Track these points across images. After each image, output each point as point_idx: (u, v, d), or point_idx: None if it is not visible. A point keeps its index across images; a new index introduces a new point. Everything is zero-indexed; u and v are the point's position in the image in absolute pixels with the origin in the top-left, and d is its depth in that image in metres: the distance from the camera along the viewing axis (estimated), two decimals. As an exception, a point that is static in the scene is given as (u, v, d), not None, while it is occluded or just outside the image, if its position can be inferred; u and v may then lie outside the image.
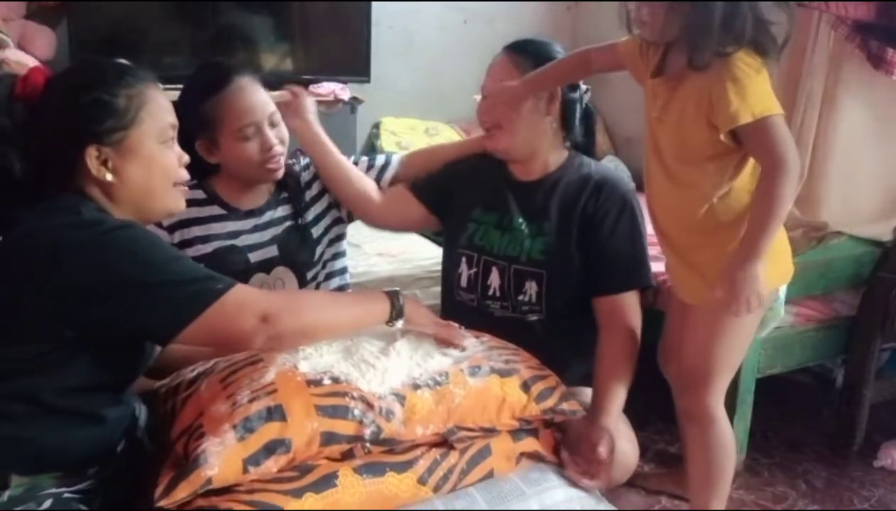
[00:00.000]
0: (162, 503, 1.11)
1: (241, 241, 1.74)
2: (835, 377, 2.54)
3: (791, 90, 2.11)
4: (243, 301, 1.20)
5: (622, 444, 1.67)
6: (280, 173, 1.75)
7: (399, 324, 1.40)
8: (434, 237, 2.76)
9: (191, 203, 1.70)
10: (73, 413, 1.24)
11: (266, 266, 1.74)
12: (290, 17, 3.36)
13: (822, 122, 2.09)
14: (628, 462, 1.71)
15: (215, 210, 1.73)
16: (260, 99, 1.70)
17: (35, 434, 1.20)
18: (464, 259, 1.86)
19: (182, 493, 1.11)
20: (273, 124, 1.71)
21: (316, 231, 1.86)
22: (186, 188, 1.37)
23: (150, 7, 3.10)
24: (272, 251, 1.76)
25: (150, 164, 1.28)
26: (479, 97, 3.59)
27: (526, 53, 1.83)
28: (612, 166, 2.60)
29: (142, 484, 1.27)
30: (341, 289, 1.95)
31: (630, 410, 1.79)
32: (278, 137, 1.71)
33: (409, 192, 1.94)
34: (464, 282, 1.86)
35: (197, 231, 1.70)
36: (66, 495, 1.23)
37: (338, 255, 1.94)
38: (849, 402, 2.23)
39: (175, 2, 3.17)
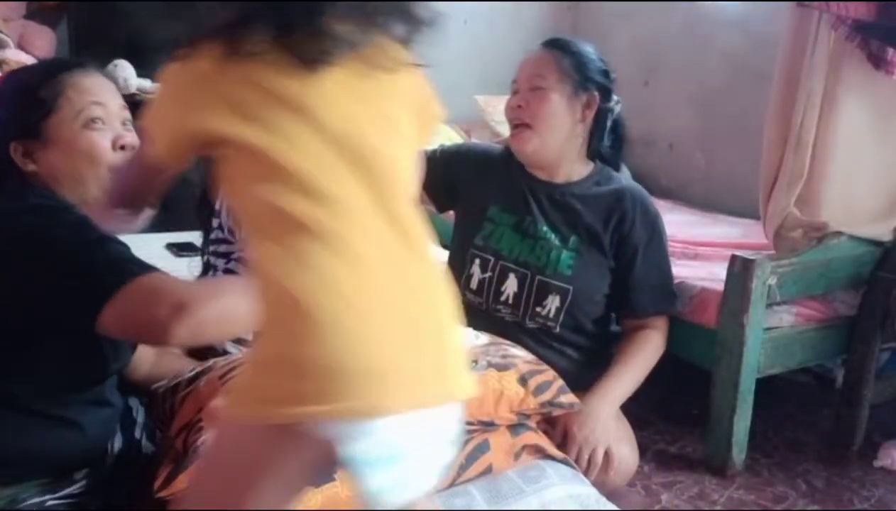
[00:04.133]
0: (161, 494, 1.11)
1: None
2: (835, 377, 2.53)
3: (791, 90, 2.11)
4: (157, 287, 1.12)
5: (622, 449, 1.67)
6: None
7: None
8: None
9: None
10: (47, 416, 1.23)
11: None
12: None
13: (821, 122, 2.09)
14: (628, 467, 1.71)
15: None
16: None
17: (12, 437, 1.19)
18: (477, 261, 1.82)
19: (182, 484, 1.11)
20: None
21: None
22: None
23: (150, 7, 3.10)
24: None
25: (70, 149, 1.27)
26: (481, 97, 3.56)
27: (566, 52, 1.78)
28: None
29: (140, 484, 1.28)
30: None
31: (630, 410, 1.79)
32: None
33: None
34: (474, 284, 1.82)
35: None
36: (49, 503, 1.22)
37: None
38: (849, 402, 2.22)
39: (174, 1, 3.17)
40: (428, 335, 0.87)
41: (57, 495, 1.24)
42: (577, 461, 1.55)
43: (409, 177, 0.94)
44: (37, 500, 1.21)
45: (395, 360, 0.83)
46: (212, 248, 1.68)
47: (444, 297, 0.90)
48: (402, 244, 0.88)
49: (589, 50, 1.81)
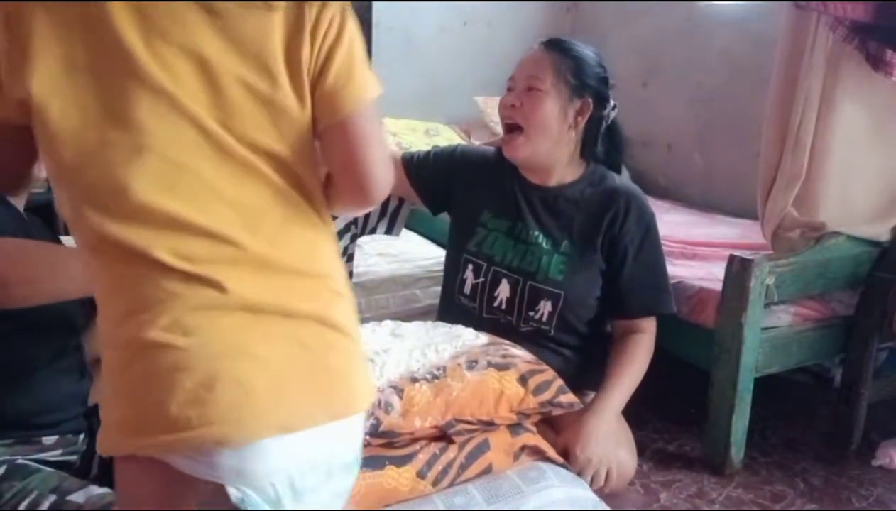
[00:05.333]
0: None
1: None
2: (833, 376, 2.54)
3: (789, 91, 2.11)
4: None
5: (620, 453, 1.68)
6: None
7: None
8: (434, 238, 2.76)
9: None
10: None
11: None
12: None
13: (820, 123, 2.09)
14: (626, 471, 1.72)
15: None
16: None
17: None
18: (470, 266, 1.82)
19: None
20: None
21: (340, 247, 1.83)
22: None
23: None
24: None
25: None
26: (481, 98, 3.55)
27: (566, 55, 1.75)
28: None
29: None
30: None
31: (628, 410, 1.80)
32: None
33: (400, 162, 1.89)
34: (467, 289, 1.83)
35: None
36: (20, 461, 1.23)
37: (350, 274, 1.89)
38: (847, 402, 2.23)
39: (176, 2, 3.17)
40: (309, 350, 0.82)
41: (30, 458, 1.24)
42: None
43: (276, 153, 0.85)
44: (7, 457, 1.22)
45: (271, 381, 0.79)
46: None
47: (325, 305, 0.85)
48: (262, 267, 0.83)
49: (589, 54, 1.79)
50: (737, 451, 2.08)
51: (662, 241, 1.88)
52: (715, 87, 3.30)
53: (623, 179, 1.88)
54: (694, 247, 2.50)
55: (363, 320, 1.85)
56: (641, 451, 1.95)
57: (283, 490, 0.80)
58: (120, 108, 0.80)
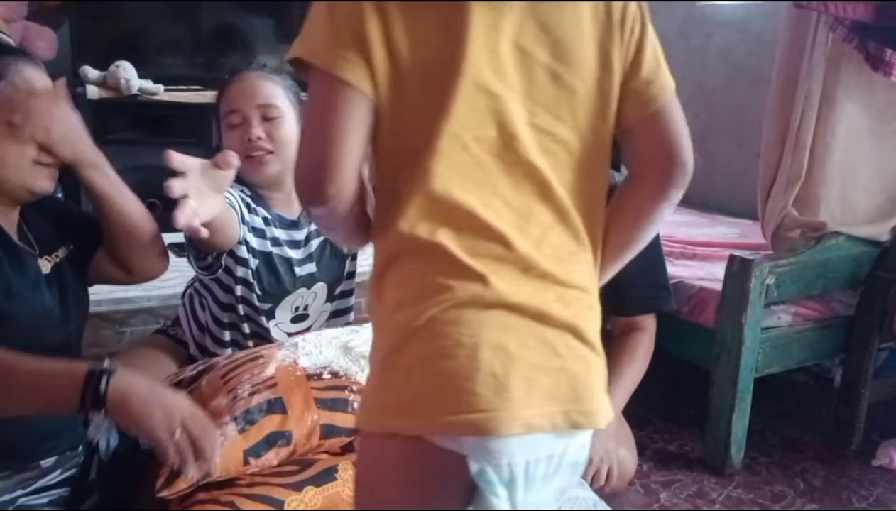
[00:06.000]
0: (163, 494, 1.12)
1: (283, 253, 1.66)
2: (833, 376, 2.54)
3: (789, 91, 2.12)
4: None
5: (621, 452, 1.68)
6: (264, 171, 1.59)
7: (99, 418, 1.09)
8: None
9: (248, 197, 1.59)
10: None
11: (308, 282, 1.68)
12: (291, 17, 3.38)
13: (820, 123, 2.10)
14: (627, 470, 1.72)
15: (261, 212, 1.62)
16: (252, 89, 1.58)
17: None
18: None
19: (183, 483, 1.11)
20: (266, 118, 1.57)
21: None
22: (51, 167, 1.26)
23: (151, 8, 3.11)
24: (311, 268, 1.69)
25: None
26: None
27: None
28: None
29: (140, 481, 1.28)
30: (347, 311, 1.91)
31: (629, 410, 1.80)
32: (268, 133, 1.57)
33: None
34: None
35: (259, 223, 1.61)
36: (21, 500, 1.21)
37: (353, 273, 1.89)
38: (847, 402, 2.23)
39: (176, 2, 3.18)
40: (559, 357, 0.85)
41: (28, 491, 1.22)
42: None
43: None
44: (7, 496, 1.19)
45: (523, 380, 0.81)
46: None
47: (577, 316, 0.89)
48: (535, 278, 0.86)
49: None
50: (737, 451, 2.08)
51: (662, 241, 1.88)
52: (715, 87, 3.30)
53: (623, 177, 1.88)
54: (694, 247, 2.50)
55: (364, 319, 1.86)
56: (642, 451, 1.96)
57: (518, 473, 0.83)
58: (443, 101, 0.83)
